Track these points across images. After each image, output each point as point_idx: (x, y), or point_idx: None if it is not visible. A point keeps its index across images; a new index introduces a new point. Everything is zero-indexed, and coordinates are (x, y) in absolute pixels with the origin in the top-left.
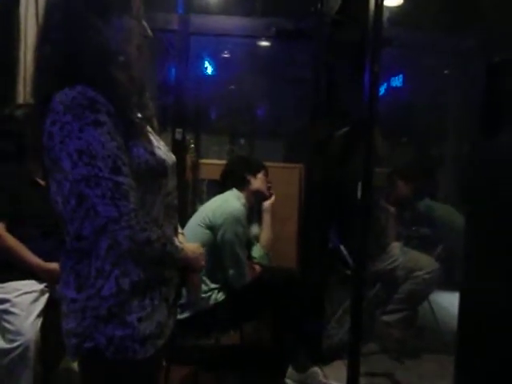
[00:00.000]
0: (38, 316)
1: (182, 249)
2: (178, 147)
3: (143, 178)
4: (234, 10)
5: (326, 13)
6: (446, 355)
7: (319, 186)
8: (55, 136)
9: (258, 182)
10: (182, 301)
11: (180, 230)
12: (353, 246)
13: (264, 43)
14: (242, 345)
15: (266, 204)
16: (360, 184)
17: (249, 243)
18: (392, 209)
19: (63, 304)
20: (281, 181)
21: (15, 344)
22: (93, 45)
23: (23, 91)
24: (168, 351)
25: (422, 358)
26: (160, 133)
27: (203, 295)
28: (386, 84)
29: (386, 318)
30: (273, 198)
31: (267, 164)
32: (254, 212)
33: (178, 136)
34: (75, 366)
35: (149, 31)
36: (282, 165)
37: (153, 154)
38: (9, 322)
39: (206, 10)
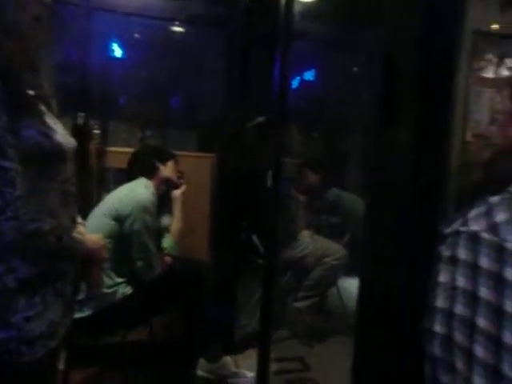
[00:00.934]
0: None
1: (82, 240)
2: (79, 132)
3: (35, 162)
4: None
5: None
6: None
7: (231, 175)
8: None
9: (167, 170)
10: (82, 296)
11: (80, 221)
12: (264, 235)
13: (178, 28)
14: (151, 340)
15: (176, 193)
16: (270, 173)
17: (159, 234)
18: (302, 198)
19: None
20: (193, 170)
21: None
22: None
23: None
24: (66, 352)
25: (330, 340)
26: (59, 116)
27: (108, 290)
28: (299, 78)
29: (297, 304)
30: (183, 187)
31: (179, 153)
32: (165, 202)
33: (80, 120)
34: None
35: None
36: (194, 154)
37: (47, 136)
38: None
39: None
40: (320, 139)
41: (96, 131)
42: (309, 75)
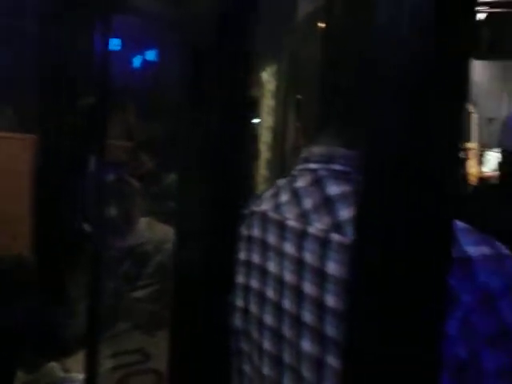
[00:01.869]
0: None
1: None
2: None
3: None
4: None
5: None
6: None
7: (56, 159)
8: None
9: None
10: None
11: None
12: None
13: None
14: None
15: None
16: (93, 158)
17: None
18: (137, 184)
19: None
20: (5, 154)
21: None
22: None
23: None
24: None
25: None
26: None
27: None
28: (139, 56)
29: (136, 294)
30: None
31: None
32: None
33: None
34: None
35: None
36: (7, 135)
37: None
38: None
39: None
40: (156, 121)
41: None
42: (149, 55)
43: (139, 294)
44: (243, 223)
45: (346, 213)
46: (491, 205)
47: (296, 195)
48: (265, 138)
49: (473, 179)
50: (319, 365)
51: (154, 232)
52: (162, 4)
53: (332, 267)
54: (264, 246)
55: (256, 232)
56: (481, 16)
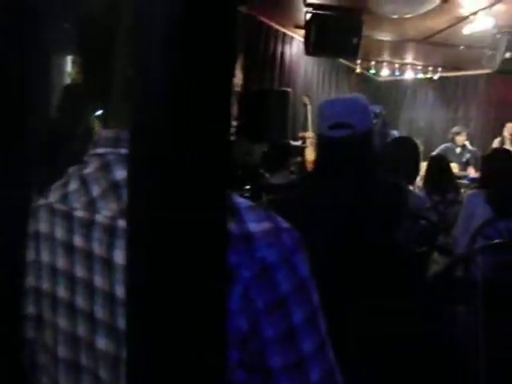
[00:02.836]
0: None
1: None
2: None
3: None
4: None
5: None
6: None
7: None
8: None
9: None
10: None
11: None
12: None
13: None
14: None
15: None
16: None
17: None
18: None
19: None
20: None
21: None
22: None
23: None
24: None
25: None
26: None
27: None
28: None
29: None
30: None
31: None
32: None
33: None
34: None
35: None
36: None
37: None
38: None
39: None
40: None
41: None
42: None
43: None
44: (30, 219)
45: None
46: (308, 189)
47: (84, 182)
48: None
49: (310, 165)
50: (115, 362)
51: None
52: None
53: (120, 256)
54: (52, 242)
55: (43, 227)
56: (307, 16)
